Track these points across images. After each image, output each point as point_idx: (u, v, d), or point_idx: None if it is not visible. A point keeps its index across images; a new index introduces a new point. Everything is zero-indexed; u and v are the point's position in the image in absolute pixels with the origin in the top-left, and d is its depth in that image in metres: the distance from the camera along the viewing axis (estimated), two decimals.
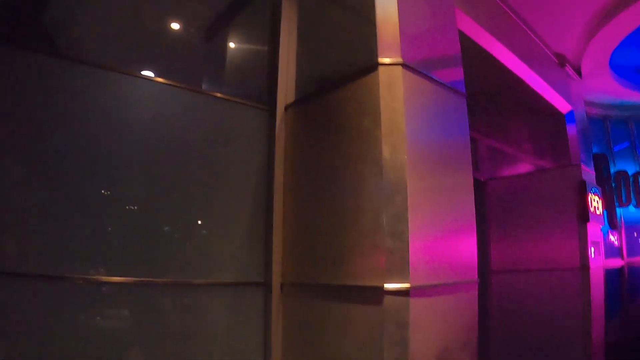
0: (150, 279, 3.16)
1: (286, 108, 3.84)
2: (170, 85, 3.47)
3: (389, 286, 2.67)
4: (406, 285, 2.65)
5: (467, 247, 3.22)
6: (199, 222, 3.50)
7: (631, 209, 8.46)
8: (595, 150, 8.26)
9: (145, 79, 3.42)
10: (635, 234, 8.55)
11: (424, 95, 3.10)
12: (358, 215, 2.93)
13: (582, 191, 6.10)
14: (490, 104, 6.36)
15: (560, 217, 6.19)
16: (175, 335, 3.25)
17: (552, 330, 6.03)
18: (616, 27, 5.96)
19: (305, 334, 3.32)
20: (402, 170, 2.76)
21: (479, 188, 7.06)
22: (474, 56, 4.83)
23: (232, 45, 4.32)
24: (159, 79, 3.44)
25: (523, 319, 6.33)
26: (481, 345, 6.68)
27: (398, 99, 2.89)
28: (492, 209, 6.99)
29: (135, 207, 3.23)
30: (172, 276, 3.27)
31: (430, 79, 3.18)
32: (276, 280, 3.56)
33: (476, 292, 3.22)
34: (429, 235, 2.87)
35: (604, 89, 7.79)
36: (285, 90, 3.89)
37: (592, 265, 5.98)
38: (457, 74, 3.53)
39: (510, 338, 6.48)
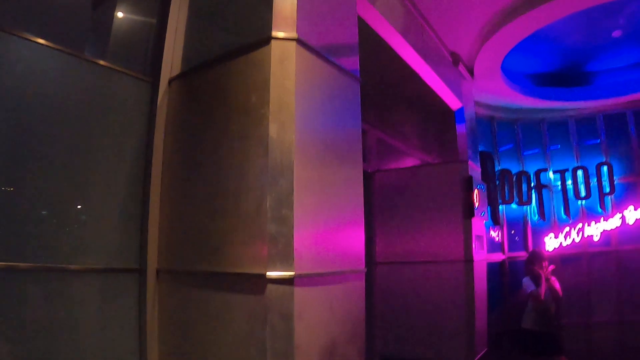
0: (13, 264, 2.79)
1: (171, 81, 3.57)
2: (48, 47, 3.07)
3: (271, 274, 2.50)
4: (290, 273, 2.49)
5: (355, 236, 3.13)
6: (69, 201, 3.13)
7: (513, 206, 8.89)
8: (481, 148, 8.60)
9: (22, 37, 2.98)
10: (513, 232, 9.01)
11: (318, 75, 2.95)
12: (240, 198, 2.74)
13: (468, 187, 6.28)
14: (381, 95, 6.38)
15: (446, 211, 6.35)
16: (40, 326, 2.89)
17: (437, 322, 6.19)
18: (509, 32, 6.20)
19: (183, 324, 3.07)
20: (289, 150, 2.60)
21: (366, 179, 7.06)
22: (369, 44, 4.78)
23: (120, 11, 3.97)
24: (38, 40, 3.02)
25: (408, 311, 6.46)
26: (366, 336, 6.73)
27: (289, 76, 2.72)
28: (378, 201, 7.04)
29: None
30: (37, 260, 2.90)
31: (326, 60, 3.04)
32: (152, 266, 3.28)
33: (363, 282, 3.15)
34: (315, 222, 2.72)
35: (494, 91, 8.12)
36: (171, 62, 3.62)
37: (475, 258, 6.19)
38: (353, 59, 3.43)
39: (395, 329, 6.58)
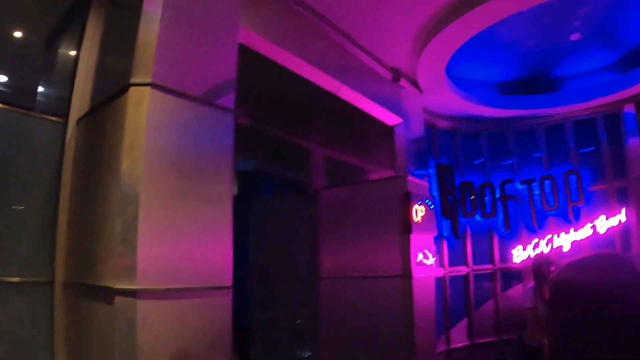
0: None
1: (79, 120, 4.36)
2: None
3: (118, 287, 3.24)
4: (133, 286, 3.22)
5: (219, 256, 3.81)
6: None
7: (478, 219, 9.48)
8: (444, 161, 9.24)
9: None
10: (478, 244, 9.57)
11: (173, 113, 3.65)
12: (104, 222, 3.53)
13: (406, 202, 6.93)
14: (322, 116, 7.06)
15: (386, 227, 7.05)
16: None
17: (376, 338, 6.86)
18: (444, 41, 6.64)
19: (79, 333, 3.87)
20: (136, 182, 3.34)
21: (311, 198, 7.83)
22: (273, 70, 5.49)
23: (39, 56, 4.86)
24: None
25: (349, 326, 7.18)
26: (312, 353, 7.40)
27: (142, 117, 3.46)
28: (324, 219, 7.83)
29: None
30: None
31: (187, 97, 3.74)
32: (59, 279, 4.10)
33: (229, 298, 3.81)
34: (164, 243, 3.44)
35: (447, 102, 8.74)
36: (81, 102, 4.43)
37: (415, 274, 6.83)
38: (226, 92, 4.11)
39: (338, 345, 7.28)
